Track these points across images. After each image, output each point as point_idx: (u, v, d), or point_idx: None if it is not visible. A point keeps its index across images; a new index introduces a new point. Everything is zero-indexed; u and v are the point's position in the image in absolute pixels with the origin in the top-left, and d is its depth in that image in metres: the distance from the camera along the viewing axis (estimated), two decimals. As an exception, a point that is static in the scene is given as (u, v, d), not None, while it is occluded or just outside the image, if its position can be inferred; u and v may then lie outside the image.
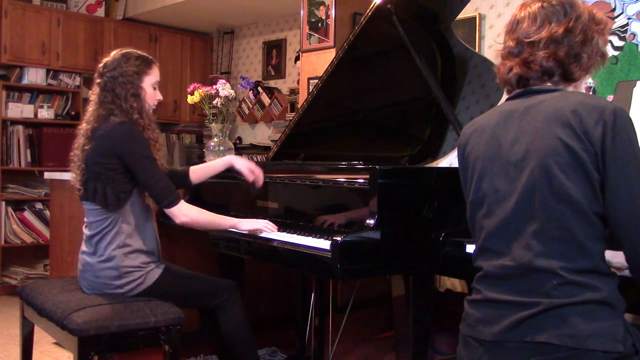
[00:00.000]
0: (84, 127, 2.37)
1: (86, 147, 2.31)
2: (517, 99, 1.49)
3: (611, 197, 1.30)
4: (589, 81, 3.31)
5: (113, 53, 2.42)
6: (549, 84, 1.46)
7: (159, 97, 2.46)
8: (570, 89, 1.48)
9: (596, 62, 1.48)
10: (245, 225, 2.37)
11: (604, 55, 1.49)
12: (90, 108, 2.39)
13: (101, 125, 2.30)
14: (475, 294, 1.44)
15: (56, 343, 3.42)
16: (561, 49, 1.43)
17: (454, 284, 3.75)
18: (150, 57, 2.47)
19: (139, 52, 2.44)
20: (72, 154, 2.39)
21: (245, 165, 2.60)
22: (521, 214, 1.36)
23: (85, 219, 2.38)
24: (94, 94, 2.39)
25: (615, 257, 1.42)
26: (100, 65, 2.40)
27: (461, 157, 1.58)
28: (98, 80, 2.39)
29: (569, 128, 1.32)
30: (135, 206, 2.32)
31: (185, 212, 2.31)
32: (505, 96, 1.62)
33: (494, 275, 1.39)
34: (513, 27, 1.52)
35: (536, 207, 1.33)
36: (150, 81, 2.41)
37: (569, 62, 1.44)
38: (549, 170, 1.32)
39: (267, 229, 2.33)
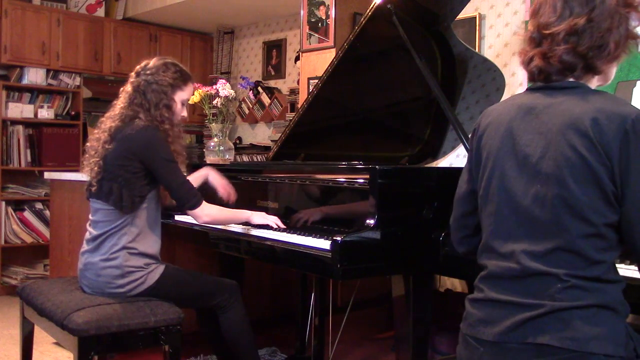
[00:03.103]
0: (107, 123, 2.38)
1: (107, 146, 2.31)
2: (538, 92, 1.43)
3: (629, 210, 1.26)
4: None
5: (155, 59, 2.44)
6: (571, 78, 1.39)
7: (184, 114, 2.48)
8: (595, 79, 1.41)
9: (626, 47, 1.38)
10: (257, 219, 2.42)
11: (635, 37, 1.38)
12: (119, 105, 2.40)
13: (125, 126, 2.31)
14: (478, 293, 1.43)
15: (56, 343, 3.42)
16: (583, 42, 1.34)
17: (454, 284, 3.75)
18: (190, 74, 2.49)
19: (181, 65, 2.47)
20: (88, 145, 2.39)
21: (218, 182, 2.69)
22: (530, 219, 1.34)
23: (90, 217, 2.37)
24: (125, 92, 2.41)
25: None
26: (139, 66, 2.43)
27: (476, 146, 1.51)
28: (132, 80, 2.41)
29: (586, 138, 1.26)
30: (146, 210, 2.33)
31: (207, 213, 2.36)
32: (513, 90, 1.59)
33: (498, 275, 1.38)
34: (536, 11, 1.42)
35: (546, 216, 1.31)
36: (181, 97, 2.43)
37: (592, 54, 1.35)
38: (562, 180, 1.28)
39: (276, 225, 2.36)
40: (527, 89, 1.48)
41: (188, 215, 2.43)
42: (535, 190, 1.33)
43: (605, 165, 1.26)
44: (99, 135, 2.37)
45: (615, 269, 1.34)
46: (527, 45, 1.44)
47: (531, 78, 1.45)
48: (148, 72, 2.39)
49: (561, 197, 1.29)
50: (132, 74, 2.43)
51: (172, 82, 2.39)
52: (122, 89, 2.45)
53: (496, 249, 1.40)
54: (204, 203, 2.36)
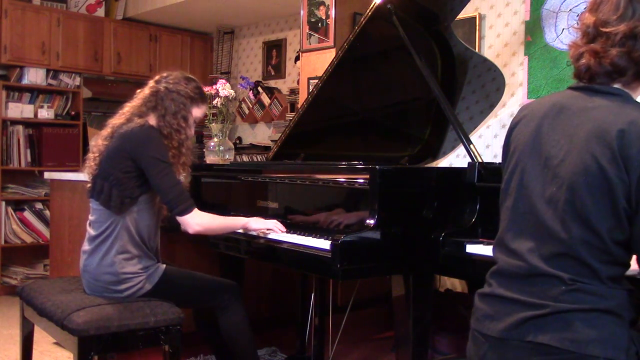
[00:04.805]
0: (115, 119, 2.37)
1: (106, 143, 2.30)
2: (577, 92, 1.39)
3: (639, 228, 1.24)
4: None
5: (177, 72, 2.43)
6: (617, 84, 1.34)
7: (192, 132, 2.46)
8: None
9: None
10: (255, 225, 2.35)
11: None
12: (130, 104, 2.39)
13: (126, 124, 2.30)
14: (486, 287, 1.44)
15: (56, 343, 3.42)
16: (639, 48, 1.29)
17: (454, 284, 3.75)
18: (207, 97, 2.51)
19: (200, 83, 2.47)
20: (93, 142, 2.38)
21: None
22: (541, 221, 1.33)
23: (90, 217, 2.37)
24: (141, 94, 2.39)
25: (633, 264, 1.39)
26: (160, 74, 2.42)
27: (507, 139, 1.51)
28: (152, 85, 2.39)
29: (608, 149, 1.23)
30: (141, 213, 2.29)
31: (198, 221, 2.25)
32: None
33: (507, 273, 1.39)
34: (596, 5, 1.35)
35: (555, 221, 1.30)
36: (195, 113, 2.41)
37: None
38: (577, 189, 1.27)
39: (276, 229, 2.31)
40: (568, 87, 1.44)
41: (179, 222, 2.28)
42: (550, 193, 1.32)
43: (623, 180, 1.23)
44: (103, 133, 2.36)
45: (622, 281, 1.32)
46: (580, 39, 1.38)
47: (577, 75, 1.41)
48: (170, 80, 2.37)
49: (572, 205, 1.28)
50: (151, 80, 2.41)
51: (192, 96, 2.38)
52: (138, 90, 2.44)
53: (507, 245, 1.41)
54: (196, 210, 2.26)
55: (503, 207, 1.46)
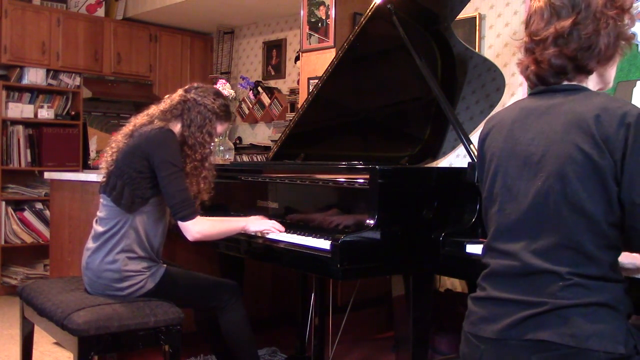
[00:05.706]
0: (139, 117, 2.39)
1: (125, 140, 2.32)
2: (539, 95, 1.45)
3: (627, 199, 1.27)
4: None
5: (208, 86, 2.46)
6: (565, 82, 1.41)
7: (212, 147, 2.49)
8: (592, 80, 1.43)
9: (618, 47, 1.39)
10: (254, 226, 2.35)
11: (628, 38, 1.40)
12: (156, 107, 2.41)
13: (147, 125, 2.32)
14: (480, 291, 1.44)
15: (56, 343, 3.42)
16: (570, 44, 1.36)
17: (454, 284, 3.75)
18: (232, 115, 2.51)
19: (228, 102, 2.50)
20: (113, 138, 2.39)
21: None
22: (532, 218, 1.35)
23: (98, 213, 2.37)
24: (169, 99, 2.42)
25: (627, 259, 1.41)
26: (192, 84, 2.45)
27: (480, 150, 1.55)
28: (181, 93, 2.42)
29: (588, 135, 1.28)
30: (150, 214, 2.31)
31: (198, 229, 2.25)
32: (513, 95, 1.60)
33: (500, 274, 1.39)
34: (527, 21, 1.46)
35: (548, 214, 1.32)
36: (217, 129, 2.45)
37: (581, 55, 1.37)
38: (565, 178, 1.30)
39: (274, 229, 2.31)
40: (529, 94, 1.50)
41: (180, 227, 2.29)
42: (536, 188, 1.34)
43: (608, 161, 1.26)
44: (124, 130, 2.38)
45: (618, 268, 1.35)
46: (524, 55, 1.47)
47: (531, 85, 1.48)
48: (200, 92, 2.40)
49: (563, 194, 1.30)
50: (182, 88, 2.44)
51: (218, 112, 2.40)
52: (166, 96, 2.47)
53: (498, 248, 1.41)
54: (199, 218, 2.26)
55: (489, 214, 1.47)
